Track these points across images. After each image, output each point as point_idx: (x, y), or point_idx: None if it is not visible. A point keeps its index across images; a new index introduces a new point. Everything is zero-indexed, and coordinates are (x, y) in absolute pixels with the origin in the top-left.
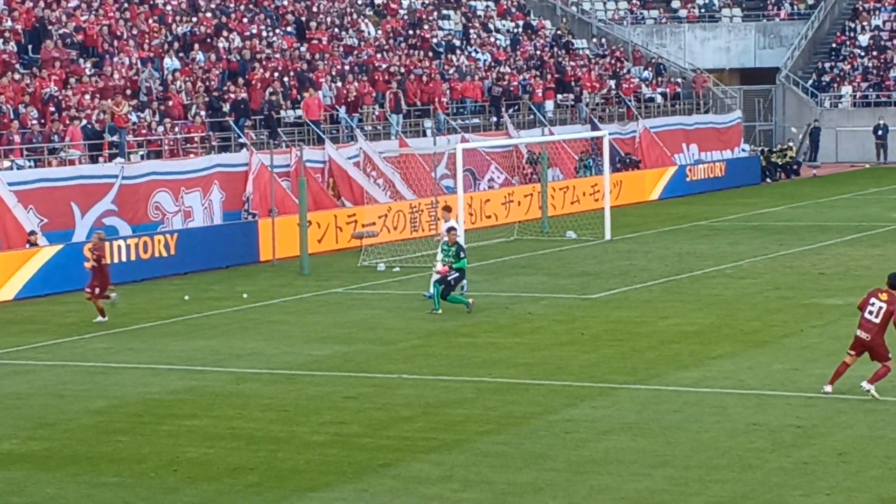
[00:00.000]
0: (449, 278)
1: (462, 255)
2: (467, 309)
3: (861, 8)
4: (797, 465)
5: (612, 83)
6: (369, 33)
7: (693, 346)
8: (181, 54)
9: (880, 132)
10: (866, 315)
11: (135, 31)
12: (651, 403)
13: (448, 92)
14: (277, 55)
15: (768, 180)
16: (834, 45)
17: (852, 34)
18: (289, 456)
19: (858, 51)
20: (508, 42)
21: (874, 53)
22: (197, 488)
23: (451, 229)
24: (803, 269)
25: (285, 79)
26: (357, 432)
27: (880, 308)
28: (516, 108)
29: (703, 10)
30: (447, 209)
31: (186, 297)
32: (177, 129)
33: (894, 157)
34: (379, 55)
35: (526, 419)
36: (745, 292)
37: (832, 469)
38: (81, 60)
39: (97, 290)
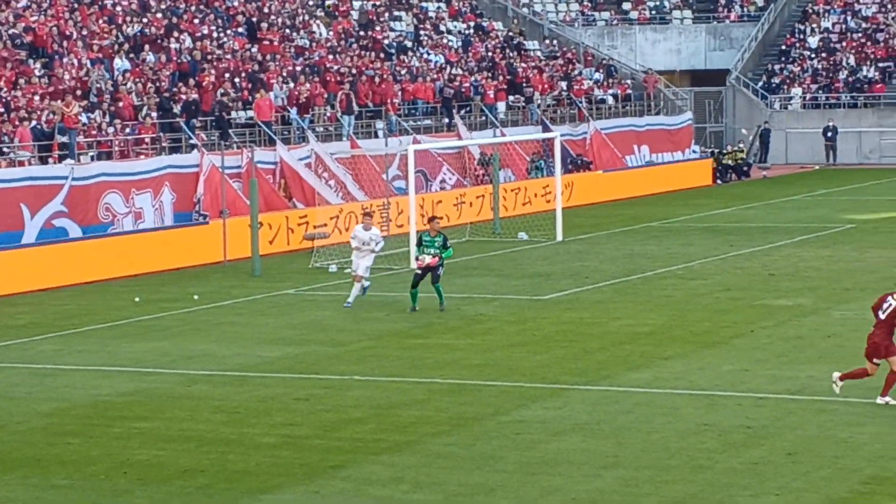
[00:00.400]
0: (438, 272)
1: (448, 244)
2: (412, 309)
3: (810, 10)
4: (747, 466)
5: (564, 84)
6: (321, 34)
7: (644, 346)
8: (131, 55)
9: (830, 134)
10: (878, 314)
11: (85, 32)
12: (602, 404)
13: (400, 93)
14: (228, 56)
15: (719, 181)
16: (784, 47)
17: (802, 36)
18: (239, 458)
19: (808, 53)
20: (460, 43)
21: (823, 55)
22: (147, 490)
23: (433, 219)
24: (753, 270)
25: (236, 80)
26: (308, 434)
27: (890, 305)
28: (468, 109)
29: (653, 12)
30: (368, 214)
31: (137, 299)
32: (127, 130)
33: (843, 159)
34: (330, 56)
35: (477, 420)
36: (695, 293)
37: (782, 469)
38: (31, 61)
39: None
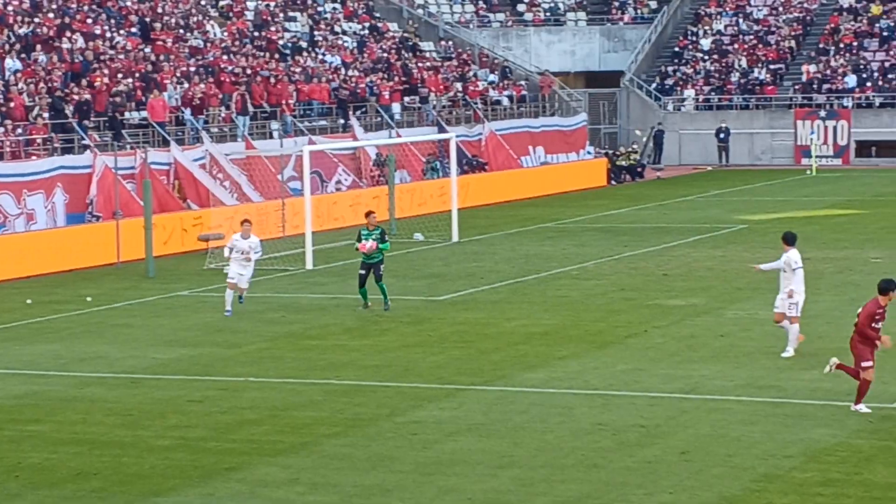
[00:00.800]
0: (380, 272)
1: (385, 238)
2: (364, 306)
3: (703, 12)
4: (641, 465)
5: (459, 86)
6: (215, 35)
7: (539, 347)
8: (23, 55)
9: (722, 135)
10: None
11: None
12: (498, 404)
13: (295, 94)
14: (121, 56)
15: (613, 182)
16: (677, 49)
17: (694, 38)
18: (133, 461)
19: (701, 54)
20: (355, 44)
21: (716, 57)
22: (39, 494)
23: (370, 213)
24: (647, 270)
25: (130, 80)
26: (202, 436)
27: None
28: (363, 110)
29: (548, 14)
30: (247, 221)
31: (29, 301)
32: (19, 131)
33: (736, 160)
34: (225, 57)
35: (373, 421)
36: (590, 293)
37: (675, 468)
38: None
39: None
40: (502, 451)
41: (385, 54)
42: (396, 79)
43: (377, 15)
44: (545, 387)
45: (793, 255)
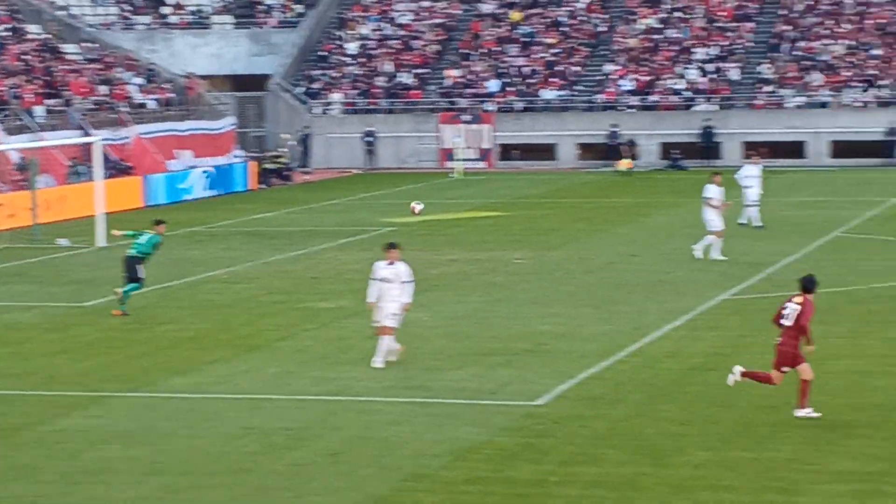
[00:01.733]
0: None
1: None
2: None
3: (348, 17)
4: (289, 468)
5: (104, 88)
6: None
7: (188, 351)
8: None
9: (369, 138)
10: (782, 322)
11: None
12: (145, 411)
13: None
14: None
15: (262, 186)
16: (323, 53)
17: (340, 42)
18: None
19: (347, 59)
20: None
21: (362, 61)
22: None
23: (161, 222)
24: (296, 273)
25: None
26: None
27: (794, 310)
28: (5, 113)
29: (193, 17)
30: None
31: None
32: None
33: (382, 163)
34: None
35: (15, 431)
36: (239, 297)
37: (324, 470)
38: None
39: None
40: (149, 458)
41: (26, 56)
42: (39, 81)
43: (19, 16)
44: (194, 392)
45: (404, 268)
